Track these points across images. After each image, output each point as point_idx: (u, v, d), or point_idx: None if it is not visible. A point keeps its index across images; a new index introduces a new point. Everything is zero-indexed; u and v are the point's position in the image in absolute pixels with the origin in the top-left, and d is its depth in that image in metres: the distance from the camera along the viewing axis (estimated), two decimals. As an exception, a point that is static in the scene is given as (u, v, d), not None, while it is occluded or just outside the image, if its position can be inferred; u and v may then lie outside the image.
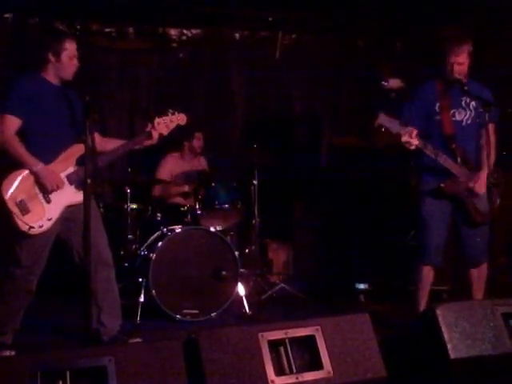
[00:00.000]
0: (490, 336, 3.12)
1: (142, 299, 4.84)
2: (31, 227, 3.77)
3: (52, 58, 3.92)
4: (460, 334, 3.07)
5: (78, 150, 3.93)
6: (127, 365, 2.66)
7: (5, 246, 3.94)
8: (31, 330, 4.40)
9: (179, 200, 5.80)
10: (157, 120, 4.17)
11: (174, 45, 6.77)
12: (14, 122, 3.83)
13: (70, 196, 3.92)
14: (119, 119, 6.62)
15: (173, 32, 6.74)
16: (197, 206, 5.27)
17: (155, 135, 4.15)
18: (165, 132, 4.21)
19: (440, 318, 3.08)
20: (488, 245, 4.37)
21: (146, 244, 5.23)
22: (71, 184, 3.94)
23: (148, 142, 4.18)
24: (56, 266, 4.22)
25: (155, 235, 5.21)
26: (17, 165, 3.83)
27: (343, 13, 6.63)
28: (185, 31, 6.78)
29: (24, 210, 3.76)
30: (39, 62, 3.97)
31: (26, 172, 3.82)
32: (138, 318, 4.78)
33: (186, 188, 5.77)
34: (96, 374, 2.61)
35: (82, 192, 3.92)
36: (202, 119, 6.74)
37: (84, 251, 3.42)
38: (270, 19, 6.73)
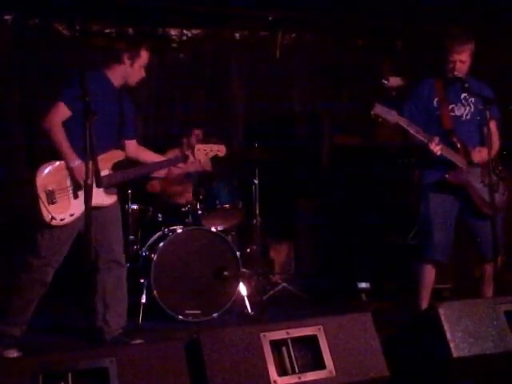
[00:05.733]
0: (493, 334, 3.11)
1: (143, 300, 4.84)
2: (53, 218, 3.81)
3: (127, 62, 4.04)
4: (462, 332, 3.06)
5: (117, 155, 4.08)
6: (129, 366, 2.65)
7: (25, 235, 3.99)
8: (34, 331, 4.40)
9: (180, 199, 5.79)
10: (197, 146, 4.33)
11: (174, 45, 6.76)
12: (63, 111, 3.89)
13: (97, 198, 3.85)
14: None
15: (173, 32, 6.74)
16: (198, 206, 5.26)
17: (190, 161, 4.29)
18: (202, 159, 4.37)
19: (442, 317, 3.07)
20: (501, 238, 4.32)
21: (147, 244, 5.23)
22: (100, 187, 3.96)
23: (180, 166, 4.36)
24: (61, 266, 4.21)
25: (156, 236, 5.21)
26: (55, 153, 3.88)
27: (343, 12, 6.62)
28: (185, 31, 6.77)
29: (51, 199, 3.81)
30: (108, 60, 4.07)
31: (63, 164, 3.88)
32: (140, 319, 4.78)
33: (180, 188, 5.76)
34: (98, 375, 2.61)
35: (109, 196, 4.04)
36: (202, 118, 6.75)
37: (85, 251, 3.42)
38: (270, 19, 6.72)
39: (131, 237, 5.42)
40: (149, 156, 4.33)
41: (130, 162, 4.27)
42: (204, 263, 5.03)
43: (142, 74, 4.14)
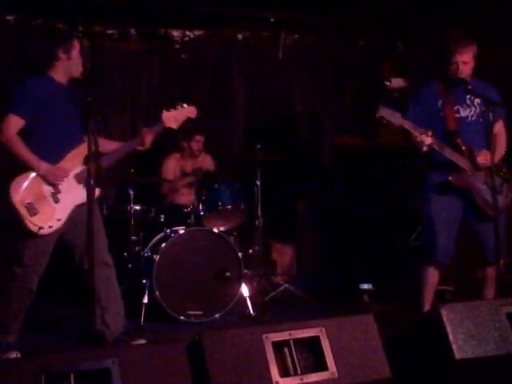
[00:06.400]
0: (495, 336, 3.11)
1: (145, 300, 4.83)
2: (41, 228, 3.78)
3: (63, 56, 3.97)
4: (465, 334, 3.06)
5: (85, 149, 3.96)
6: (131, 367, 2.65)
7: (8, 245, 3.95)
8: (35, 332, 4.41)
9: (183, 199, 5.81)
10: (165, 113, 4.18)
11: (177, 46, 6.77)
12: (16, 122, 3.84)
13: (78, 195, 3.92)
14: (121, 120, 6.61)
15: (175, 33, 6.74)
16: (200, 207, 5.26)
17: (148, 139, 4.10)
18: (174, 126, 4.22)
19: (445, 319, 3.07)
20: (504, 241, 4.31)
21: (149, 245, 5.23)
22: (79, 183, 3.95)
23: (143, 146, 4.14)
24: (61, 267, 4.21)
25: (158, 236, 5.22)
26: (21, 166, 3.84)
27: (345, 13, 6.62)
28: (187, 32, 6.78)
29: (33, 211, 3.77)
30: (47, 61, 4.01)
31: (33, 174, 3.84)
32: (142, 320, 4.77)
33: (189, 179, 5.78)
34: (100, 375, 2.61)
35: None
36: (204, 120, 6.74)
37: (87, 253, 3.42)
38: (273, 20, 6.73)
39: (133, 237, 5.43)
40: (110, 145, 4.16)
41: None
42: (206, 264, 5.03)
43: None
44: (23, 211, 3.75)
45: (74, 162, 3.95)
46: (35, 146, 3.85)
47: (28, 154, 3.83)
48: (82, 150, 3.95)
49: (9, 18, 6.11)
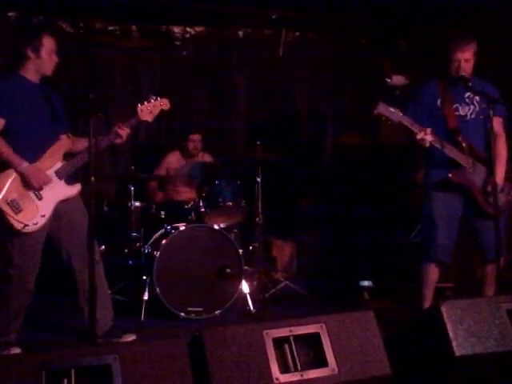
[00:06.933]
0: (495, 333, 3.11)
1: (146, 297, 4.84)
2: (26, 225, 3.77)
3: (32, 55, 3.91)
4: (465, 331, 3.06)
5: (63, 144, 4.01)
6: (132, 363, 2.65)
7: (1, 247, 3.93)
8: (35, 329, 4.42)
9: (184, 196, 5.82)
10: (139, 107, 4.17)
11: (177, 43, 6.78)
12: None
13: (61, 191, 3.95)
14: (122, 117, 6.59)
15: (176, 30, 6.75)
16: (201, 204, 5.27)
17: (123, 132, 4.08)
18: (149, 119, 4.21)
19: (445, 315, 3.07)
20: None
21: (150, 242, 5.24)
22: (61, 179, 3.96)
23: (120, 139, 4.11)
24: (59, 265, 4.21)
25: (159, 233, 5.22)
26: (4, 164, 3.83)
27: (346, 11, 6.62)
28: (188, 29, 6.78)
29: (17, 208, 3.76)
30: (17, 60, 3.96)
31: (15, 171, 3.82)
32: (143, 316, 4.78)
33: (187, 189, 5.81)
34: (101, 372, 2.61)
35: (72, 186, 4.00)
36: (204, 117, 6.76)
37: (88, 250, 3.42)
38: (274, 17, 6.72)
39: (134, 234, 5.43)
40: (82, 143, 4.06)
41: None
42: (206, 261, 5.03)
43: (54, 59, 3.97)
44: (6, 209, 3.74)
45: (53, 158, 3.95)
46: (12, 146, 3.82)
47: (10, 153, 3.81)
48: (59, 146, 3.98)
49: (10, 14, 6.11)
